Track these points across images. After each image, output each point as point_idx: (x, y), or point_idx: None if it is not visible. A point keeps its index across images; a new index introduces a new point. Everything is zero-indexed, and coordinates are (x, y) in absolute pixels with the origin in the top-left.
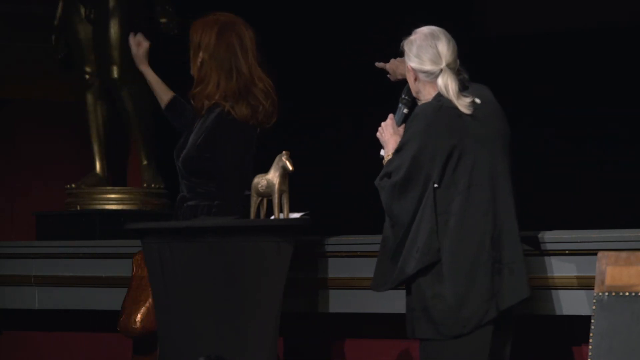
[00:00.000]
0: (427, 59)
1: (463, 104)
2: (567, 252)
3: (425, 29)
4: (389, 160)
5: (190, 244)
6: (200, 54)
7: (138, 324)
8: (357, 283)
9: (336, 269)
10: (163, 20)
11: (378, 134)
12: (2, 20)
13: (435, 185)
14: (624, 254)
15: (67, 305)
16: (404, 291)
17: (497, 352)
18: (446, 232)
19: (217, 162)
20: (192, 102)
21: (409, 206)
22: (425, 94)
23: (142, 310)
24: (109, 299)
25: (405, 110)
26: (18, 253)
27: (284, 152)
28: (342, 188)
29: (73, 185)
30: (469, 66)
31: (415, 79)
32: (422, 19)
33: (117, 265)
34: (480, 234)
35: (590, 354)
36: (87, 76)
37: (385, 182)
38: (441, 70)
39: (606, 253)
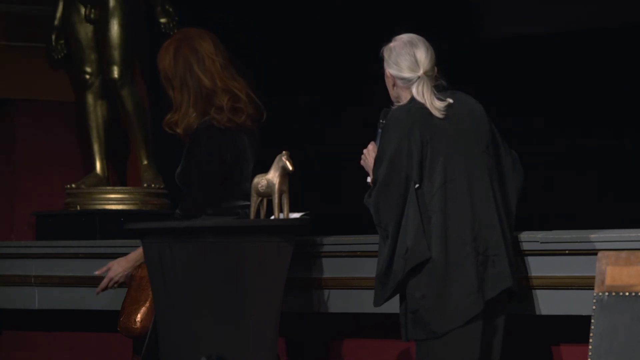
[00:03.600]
0: (405, 66)
1: (436, 108)
2: (567, 252)
3: (404, 37)
4: (372, 172)
5: (190, 244)
6: (169, 81)
7: (138, 324)
8: (357, 283)
9: (336, 269)
10: (163, 20)
11: (362, 162)
12: (2, 20)
13: (417, 185)
14: (624, 254)
15: (67, 305)
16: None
17: (488, 349)
18: (430, 229)
19: (190, 178)
20: (167, 130)
21: (394, 210)
22: (404, 100)
23: (142, 310)
24: (109, 299)
25: None
26: (18, 253)
27: (284, 152)
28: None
29: (73, 185)
30: (468, 67)
31: (394, 85)
32: (422, 19)
33: None
34: (460, 228)
35: (590, 354)
36: (87, 76)
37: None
38: (418, 78)
39: (606, 253)
